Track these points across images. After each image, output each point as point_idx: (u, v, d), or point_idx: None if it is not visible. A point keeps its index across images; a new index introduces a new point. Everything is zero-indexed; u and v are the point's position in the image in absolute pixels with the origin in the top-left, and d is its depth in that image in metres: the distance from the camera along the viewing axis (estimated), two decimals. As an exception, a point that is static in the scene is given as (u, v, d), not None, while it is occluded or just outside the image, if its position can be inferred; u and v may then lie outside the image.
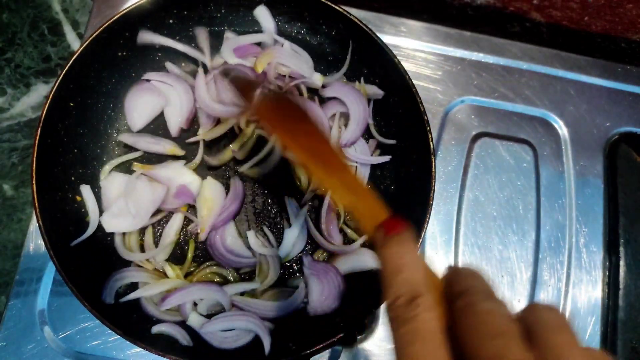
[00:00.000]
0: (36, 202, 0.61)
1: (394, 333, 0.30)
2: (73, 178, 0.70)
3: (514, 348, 0.27)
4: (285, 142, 0.46)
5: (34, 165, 0.61)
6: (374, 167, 0.78)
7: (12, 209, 0.81)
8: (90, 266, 0.66)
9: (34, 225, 0.73)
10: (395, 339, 0.30)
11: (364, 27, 0.70)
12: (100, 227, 0.69)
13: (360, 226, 0.39)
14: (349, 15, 0.71)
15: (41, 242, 0.70)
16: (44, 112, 0.63)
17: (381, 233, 0.35)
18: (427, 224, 0.66)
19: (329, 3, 0.71)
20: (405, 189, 0.74)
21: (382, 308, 0.77)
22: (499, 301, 0.30)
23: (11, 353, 0.69)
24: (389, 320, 0.32)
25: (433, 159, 0.67)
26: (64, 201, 0.68)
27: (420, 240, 0.65)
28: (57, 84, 0.64)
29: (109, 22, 0.67)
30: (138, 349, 0.70)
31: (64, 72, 0.64)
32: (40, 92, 0.85)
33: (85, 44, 0.66)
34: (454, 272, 0.33)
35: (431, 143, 0.67)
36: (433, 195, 0.67)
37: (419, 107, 0.68)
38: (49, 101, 0.63)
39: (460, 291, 0.31)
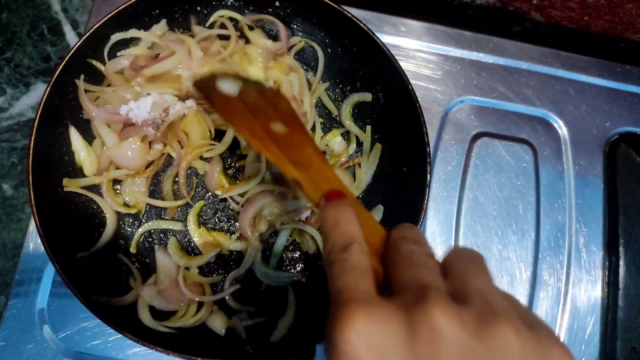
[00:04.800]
0: (33, 201, 0.61)
1: (329, 274, 0.35)
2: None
3: (428, 274, 0.32)
4: (236, 125, 0.50)
5: (30, 164, 0.61)
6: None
7: (11, 209, 0.80)
8: (91, 266, 0.66)
9: (33, 225, 0.73)
10: (329, 278, 0.34)
11: (363, 26, 0.70)
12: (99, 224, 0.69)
13: (307, 196, 0.43)
14: (346, 13, 0.71)
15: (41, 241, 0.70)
16: (40, 109, 0.63)
17: (322, 200, 0.41)
18: (420, 228, 0.65)
19: (328, 1, 0.71)
20: (399, 193, 0.74)
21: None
22: (423, 245, 0.36)
23: (11, 353, 0.69)
24: (325, 267, 0.36)
25: (428, 167, 0.67)
26: (63, 200, 0.68)
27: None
28: (52, 81, 0.64)
29: (104, 20, 0.67)
30: (138, 349, 0.70)
31: (59, 70, 0.65)
32: (39, 91, 0.85)
33: (79, 43, 0.66)
34: (399, 227, 0.38)
35: (427, 149, 0.67)
36: (427, 201, 0.66)
37: (417, 113, 0.68)
38: (45, 97, 0.63)
39: (394, 239, 0.37)
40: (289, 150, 0.46)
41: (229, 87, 0.53)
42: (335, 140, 0.78)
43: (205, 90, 0.54)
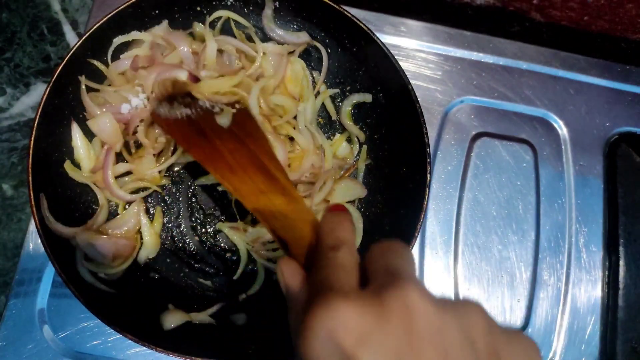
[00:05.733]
0: (32, 201, 0.61)
1: (314, 268, 0.37)
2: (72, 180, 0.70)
3: (402, 263, 0.35)
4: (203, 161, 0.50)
5: (30, 164, 0.62)
6: (367, 170, 0.78)
7: (12, 209, 0.80)
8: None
9: (33, 225, 0.73)
10: (313, 271, 0.37)
11: (363, 26, 0.70)
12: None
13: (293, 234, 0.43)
14: (346, 13, 0.71)
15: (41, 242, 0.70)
16: (40, 109, 0.63)
17: (326, 210, 0.42)
18: (419, 231, 0.65)
19: (328, 1, 0.71)
20: (399, 193, 0.74)
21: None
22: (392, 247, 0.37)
23: (11, 353, 0.69)
24: (314, 263, 0.38)
25: (428, 168, 0.67)
26: (63, 200, 0.68)
27: (413, 245, 0.65)
28: (52, 80, 0.64)
29: (104, 20, 0.67)
30: (138, 349, 0.70)
31: (59, 69, 0.65)
32: (39, 91, 0.85)
33: (79, 43, 0.66)
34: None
35: (427, 149, 0.67)
36: (427, 201, 0.66)
37: (417, 112, 0.68)
38: (45, 97, 0.63)
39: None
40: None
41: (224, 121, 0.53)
42: (341, 145, 0.78)
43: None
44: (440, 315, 0.30)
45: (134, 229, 0.71)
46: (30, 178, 0.61)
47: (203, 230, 0.74)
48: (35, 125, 0.62)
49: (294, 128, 0.75)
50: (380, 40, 0.70)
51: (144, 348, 0.70)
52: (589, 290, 0.81)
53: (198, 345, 0.65)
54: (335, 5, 0.71)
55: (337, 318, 0.30)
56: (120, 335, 0.59)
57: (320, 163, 0.73)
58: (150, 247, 0.71)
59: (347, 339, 0.29)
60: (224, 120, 0.53)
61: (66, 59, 0.65)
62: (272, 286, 0.73)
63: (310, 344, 0.30)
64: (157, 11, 0.73)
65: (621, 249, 0.81)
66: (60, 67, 0.65)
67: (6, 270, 0.78)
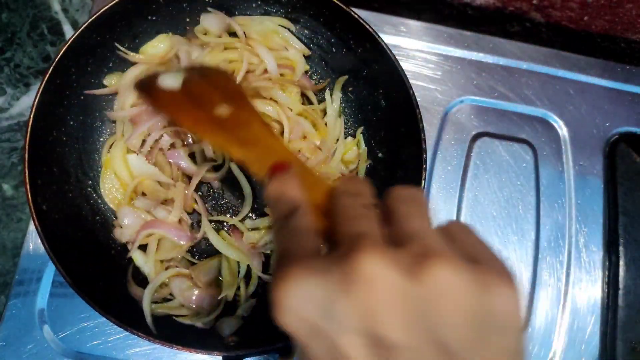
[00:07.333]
0: (30, 200, 0.61)
1: (276, 242, 0.34)
2: (70, 175, 0.70)
3: (361, 224, 0.32)
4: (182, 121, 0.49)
5: (26, 164, 0.61)
6: (366, 171, 0.78)
7: (12, 209, 0.80)
8: (91, 264, 0.66)
9: (33, 225, 0.72)
10: (277, 243, 0.34)
11: (369, 28, 0.70)
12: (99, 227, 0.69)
13: (255, 175, 0.44)
14: (354, 14, 0.70)
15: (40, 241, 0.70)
16: (34, 107, 0.63)
17: (267, 177, 0.39)
18: None
19: (337, 2, 0.70)
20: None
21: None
22: (362, 196, 0.36)
23: (11, 353, 0.69)
24: (273, 239, 0.35)
25: (423, 174, 0.66)
26: (62, 199, 0.68)
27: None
28: (46, 76, 0.64)
29: (95, 17, 0.67)
30: (138, 349, 0.70)
31: (53, 64, 0.65)
32: (40, 91, 0.85)
33: (72, 38, 0.66)
34: (341, 180, 0.39)
35: (424, 155, 0.67)
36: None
37: (417, 119, 0.67)
38: (38, 96, 0.63)
39: (333, 194, 0.37)
40: (235, 131, 0.45)
41: (171, 82, 0.49)
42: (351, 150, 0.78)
43: (146, 91, 0.51)
44: (411, 286, 0.27)
45: None
46: (27, 179, 0.61)
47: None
48: (31, 118, 0.62)
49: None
50: (385, 44, 0.70)
51: (144, 347, 0.70)
52: (588, 290, 0.81)
53: (181, 334, 0.64)
54: (343, 6, 0.70)
55: (297, 294, 0.28)
56: (120, 335, 0.59)
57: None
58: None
59: (312, 313, 0.28)
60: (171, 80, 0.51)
61: (76, 33, 0.65)
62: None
63: (283, 320, 0.29)
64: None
65: (621, 249, 0.81)
66: (72, 37, 0.64)
67: (6, 270, 0.78)
